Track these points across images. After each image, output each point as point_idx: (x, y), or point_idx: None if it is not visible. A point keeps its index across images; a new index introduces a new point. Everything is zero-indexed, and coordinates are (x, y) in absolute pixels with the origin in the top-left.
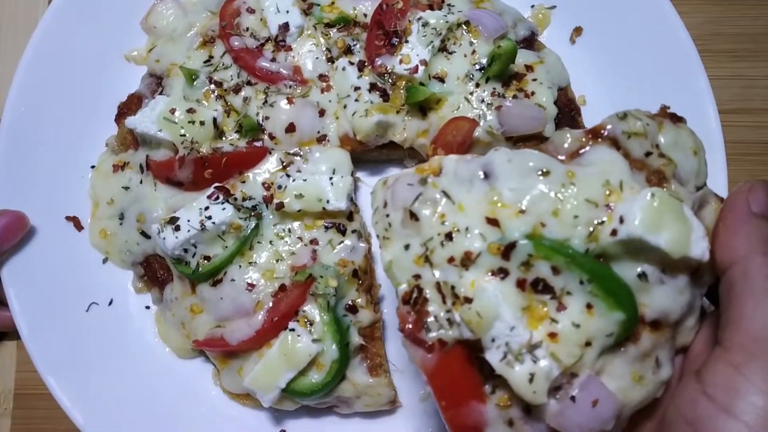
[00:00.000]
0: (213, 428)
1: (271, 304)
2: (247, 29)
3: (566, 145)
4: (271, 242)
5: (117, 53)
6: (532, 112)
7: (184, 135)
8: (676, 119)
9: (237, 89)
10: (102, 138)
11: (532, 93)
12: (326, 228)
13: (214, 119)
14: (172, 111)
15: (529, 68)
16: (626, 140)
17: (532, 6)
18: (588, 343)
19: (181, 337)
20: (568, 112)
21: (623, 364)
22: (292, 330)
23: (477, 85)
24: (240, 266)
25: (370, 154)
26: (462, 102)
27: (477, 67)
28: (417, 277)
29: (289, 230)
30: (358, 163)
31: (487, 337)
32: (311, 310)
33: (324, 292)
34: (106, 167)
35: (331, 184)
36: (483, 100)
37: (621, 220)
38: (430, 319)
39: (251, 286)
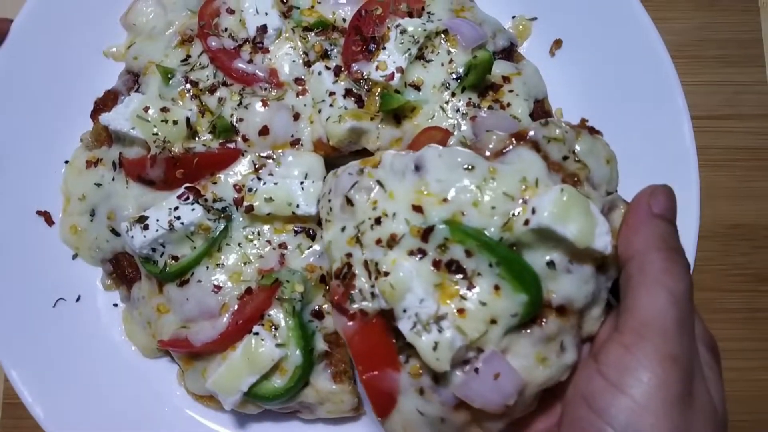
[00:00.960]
0: (175, 429)
1: (236, 307)
2: (226, 30)
3: (491, 145)
4: (239, 245)
5: (96, 49)
6: (506, 123)
7: (157, 134)
8: (594, 131)
9: (212, 89)
10: (77, 133)
11: (508, 104)
12: (296, 232)
13: (188, 119)
14: (146, 109)
15: (506, 79)
16: (546, 144)
17: (513, 17)
18: (494, 321)
19: (147, 336)
20: None
21: (528, 345)
22: (257, 334)
23: (453, 95)
24: (207, 268)
25: (344, 159)
26: (437, 111)
27: (454, 76)
28: (349, 255)
29: (259, 233)
30: (332, 168)
31: (399, 307)
32: (277, 314)
33: (290, 296)
34: (80, 163)
35: (302, 188)
36: (458, 110)
37: (533, 211)
38: (355, 291)
39: (217, 288)
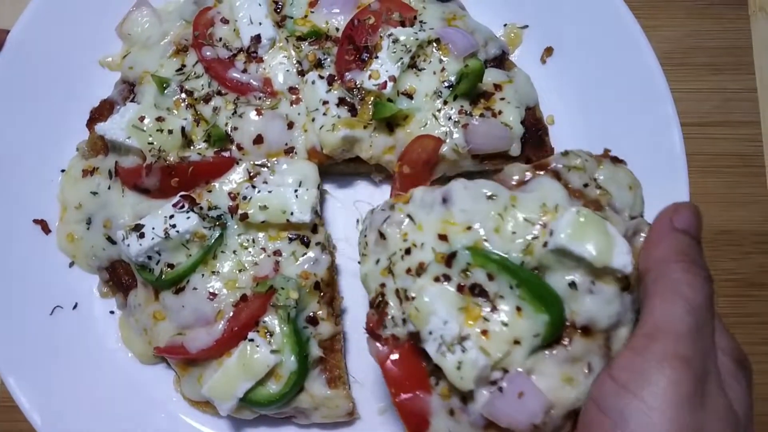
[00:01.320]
0: None
1: (231, 314)
2: (220, 39)
3: (516, 176)
4: (234, 252)
5: (91, 58)
6: (498, 131)
7: (152, 143)
8: (617, 161)
9: (207, 99)
10: (73, 142)
11: (500, 112)
12: (290, 240)
13: (183, 128)
14: (142, 119)
15: (497, 87)
16: (566, 172)
17: (505, 24)
18: (517, 342)
19: (144, 343)
20: (535, 131)
21: (553, 365)
22: (252, 340)
23: (445, 103)
24: (203, 275)
25: (338, 167)
26: (429, 119)
27: (446, 84)
28: (382, 285)
29: (253, 240)
30: (326, 176)
31: (425, 330)
32: (272, 321)
33: (284, 303)
34: (76, 172)
35: (296, 196)
36: (450, 118)
37: (551, 233)
38: (388, 318)
39: (213, 296)
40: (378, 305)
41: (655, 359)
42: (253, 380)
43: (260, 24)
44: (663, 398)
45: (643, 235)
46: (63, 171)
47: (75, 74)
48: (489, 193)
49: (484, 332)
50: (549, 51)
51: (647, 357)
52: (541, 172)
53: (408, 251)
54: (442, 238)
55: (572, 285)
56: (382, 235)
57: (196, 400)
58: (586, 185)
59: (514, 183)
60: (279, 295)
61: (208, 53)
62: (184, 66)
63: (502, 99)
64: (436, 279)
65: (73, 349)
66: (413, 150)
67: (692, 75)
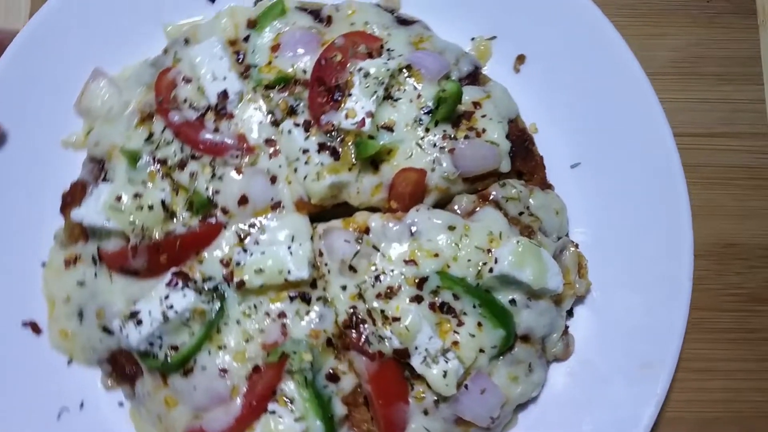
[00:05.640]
0: None
1: (247, 388)
2: (186, 101)
3: (464, 206)
4: (238, 322)
5: (54, 140)
6: (485, 151)
7: (134, 222)
8: (546, 186)
9: (182, 165)
10: (49, 232)
11: (483, 130)
12: (291, 299)
13: (163, 201)
14: (118, 198)
15: (476, 105)
16: (505, 203)
17: (473, 38)
18: (482, 350)
19: None
20: (521, 142)
21: (503, 367)
22: (273, 412)
23: (427, 130)
24: (209, 352)
25: (328, 214)
26: (414, 149)
27: (424, 111)
28: (353, 307)
29: (255, 306)
30: (320, 220)
31: (412, 346)
32: (290, 387)
33: (300, 367)
34: (58, 263)
35: (291, 253)
36: (435, 145)
37: (496, 261)
38: (368, 334)
39: (224, 372)
40: (353, 326)
41: None
42: None
43: (224, 78)
44: None
45: (568, 251)
46: (44, 264)
47: (39, 160)
48: (449, 224)
49: (455, 343)
50: (521, 59)
51: None
52: (485, 202)
53: (377, 278)
54: (409, 263)
55: (512, 302)
56: (351, 268)
57: None
58: (521, 213)
59: (464, 213)
60: (292, 360)
61: (175, 117)
62: (152, 134)
63: (483, 116)
64: (412, 300)
65: None
66: (398, 184)
67: (699, 84)
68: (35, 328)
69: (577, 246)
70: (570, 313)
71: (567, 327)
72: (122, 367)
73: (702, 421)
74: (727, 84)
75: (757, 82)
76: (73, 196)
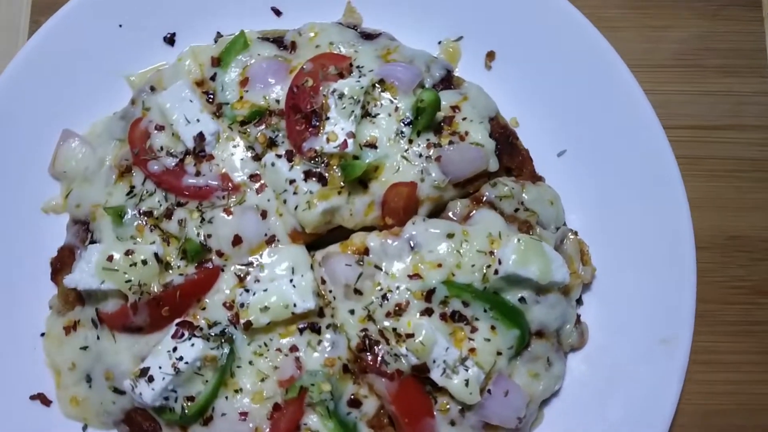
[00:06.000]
0: None
1: (270, 428)
2: (162, 148)
3: (459, 211)
4: (250, 363)
5: (33, 208)
6: (471, 153)
7: (130, 280)
8: (536, 178)
9: (169, 214)
10: (43, 301)
11: (466, 133)
12: (301, 331)
13: (156, 254)
14: (110, 258)
15: (455, 108)
16: (499, 202)
17: (440, 42)
18: (499, 353)
19: None
20: (505, 139)
21: (522, 366)
22: None
23: (410, 141)
24: (227, 397)
25: (324, 239)
26: (400, 162)
27: (404, 122)
28: (364, 330)
29: (266, 344)
30: (317, 248)
31: (430, 359)
32: (313, 420)
33: (320, 399)
34: (57, 331)
35: (294, 286)
36: (420, 155)
37: (499, 262)
38: (385, 355)
39: (244, 415)
40: (367, 348)
41: None
42: None
43: (198, 120)
44: None
45: (569, 240)
46: (43, 334)
47: (21, 229)
48: (447, 232)
49: (472, 350)
50: (491, 55)
51: None
52: (479, 204)
53: (384, 297)
54: (414, 276)
55: (522, 300)
56: (357, 291)
57: None
58: (516, 210)
59: (460, 218)
60: (312, 392)
61: (154, 167)
62: (133, 187)
63: (464, 119)
64: (422, 314)
65: None
66: (390, 200)
67: (704, 77)
68: (44, 400)
69: (576, 233)
70: (579, 302)
71: (579, 316)
72: (139, 426)
73: (706, 413)
74: (732, 76)
75: (761, 74)
76: (62, 262)
